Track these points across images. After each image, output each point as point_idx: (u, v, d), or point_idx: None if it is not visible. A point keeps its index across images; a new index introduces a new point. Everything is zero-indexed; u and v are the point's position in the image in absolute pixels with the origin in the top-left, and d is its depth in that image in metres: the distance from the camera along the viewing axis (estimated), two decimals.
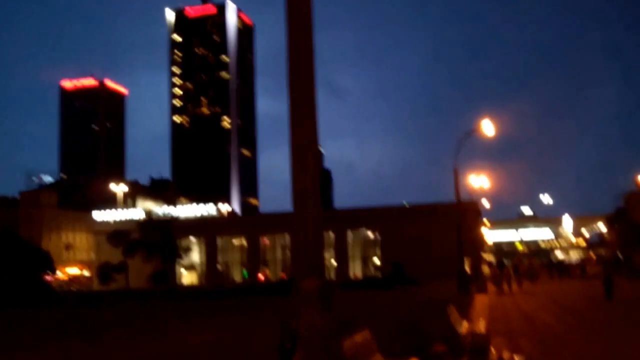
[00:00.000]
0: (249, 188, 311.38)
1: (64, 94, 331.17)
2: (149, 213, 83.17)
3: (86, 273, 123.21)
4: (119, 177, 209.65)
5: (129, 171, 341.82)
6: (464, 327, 15.51)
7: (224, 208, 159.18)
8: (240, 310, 33.10)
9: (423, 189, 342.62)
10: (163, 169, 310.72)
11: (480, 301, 36.19)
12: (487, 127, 43.30)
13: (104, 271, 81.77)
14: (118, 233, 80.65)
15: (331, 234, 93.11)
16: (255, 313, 30.01)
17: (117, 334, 22.70)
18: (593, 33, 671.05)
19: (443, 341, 12.07)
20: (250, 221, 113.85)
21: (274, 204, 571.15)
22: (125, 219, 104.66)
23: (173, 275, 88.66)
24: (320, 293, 6.64)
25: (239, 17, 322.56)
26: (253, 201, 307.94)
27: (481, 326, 16.09)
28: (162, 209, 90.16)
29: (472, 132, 44.90)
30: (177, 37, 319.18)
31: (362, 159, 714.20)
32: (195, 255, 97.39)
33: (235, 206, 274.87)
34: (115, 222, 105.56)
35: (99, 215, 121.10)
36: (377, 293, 46.72)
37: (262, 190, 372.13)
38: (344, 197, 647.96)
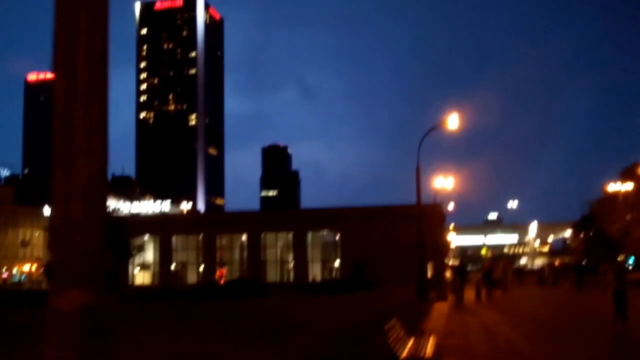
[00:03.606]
0: (215, 187, 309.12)
1: (29, 87, 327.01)
2: None
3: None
4: None
5: None
6: (407, 347, 12.92)
7: (185, 207, 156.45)
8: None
9: (393, 190, 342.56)
10: (129, 166, 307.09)
11: (438, 310, 33.40)
12: (452, 121, 41.01)
13: (50, 269, 78.37)
14: None
15: (290, 235, 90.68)
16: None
17: None
18: (567, 32, 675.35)
19: None
20: (207, 219, 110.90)
21: (240, 204, 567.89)
22: None
23: (125, 275, 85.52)
24: (85, 317, 3.63)
25: (207, 11, 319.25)
26: (219, 201, 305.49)
27: (429, 346, 13.52)
28: (114, 206, 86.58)
29: (436, 127, 42.75)
30: (143, 31, 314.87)
31: (332, 161, 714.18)
32: (150, 254, 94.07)
33: (201, 205, 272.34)
34: None
35: (49, 210, 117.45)
36: (329, 298, 44.06)
37: (228, 190, 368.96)
38: (312, 198, 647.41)
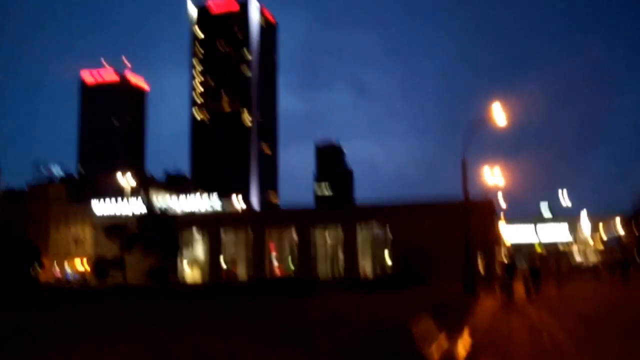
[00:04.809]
0: (269, 185, 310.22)
1: (85, 88, 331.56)
2: (149, 205, 79.82)
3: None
4: (137, 171, 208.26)
5: (149, 166, 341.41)
6: (439, 344, 12.21)
7: (237, 202, 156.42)
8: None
9: (446, 186, 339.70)
10: (183, 165, 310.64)
11: (485, 307, 32.45)
12: (499, 115, 40.17)
13: (99, 266, 79.00)
14: (115, 226, 77.56)
15: (339, 230, 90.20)
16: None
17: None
18: (611, 30, 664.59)
19: None
20: (258, 216, 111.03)
21: (295, 200, 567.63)
22: (130, 213, 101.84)
23: (174, 271, 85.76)
24: None
25: (262, 14, 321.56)
26: (273, 199, 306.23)
27: (462, 345, 12.77)
28: (163, 202, 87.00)
29: (482, 121, 41.93)
30: (199, 33, 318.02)
31: (385, 158, 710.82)
32: (199, 251, 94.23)
33: (255, 202, 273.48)
34: (117, 215, 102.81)
35: (99, 207, 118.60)
36: (376, 295, 43.58)
37: (282, 187, 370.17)
38: (366, 196, 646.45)
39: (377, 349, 13.19)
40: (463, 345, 12.65)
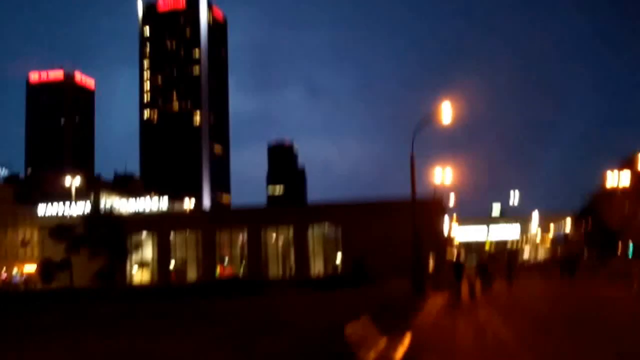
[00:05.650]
0: (222, 186, 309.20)
1: (31, 87, 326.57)
2: (96, 206, 78.66)
3: None
4: (86, 172, 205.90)
5: (100, 167, 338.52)
6: (376, 346, 11.77)
7: (188, 204, 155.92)
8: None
9: (399, 185, 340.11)
10: (133, 166, 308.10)
11: (432, 306, 32.35)
12: (446, 113, 40.14)
13: (45, 269, 77.66)
14: (61, 228, 76.23)
15: (291, 230, 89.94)
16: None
17: None
18: (563, 22, 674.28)
19: None
20: (207, 216, 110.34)
21: (247, 201, 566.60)
22: (77, 214, 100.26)
23: (122, 273, 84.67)
24: None
25: (211, 11, 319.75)
26: (225, 198, 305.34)
27: (401, 347, 12.36)
28: (109, 203, 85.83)
29: (430, 118, 41.87)
30: (147, 31, 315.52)
31: (338, 158, 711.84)
32: (148, 252, 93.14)
33: (207, 203, 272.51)
34: (64, 217, 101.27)
35: (45, 209, 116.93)
36: (324, 294, 43.30)
37: (235, 189, 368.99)
38: (319, 195, 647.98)
39: (311, 352, 12.86)
40: (403, 347, 12.28)
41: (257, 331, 18.21)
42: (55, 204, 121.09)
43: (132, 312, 33.40)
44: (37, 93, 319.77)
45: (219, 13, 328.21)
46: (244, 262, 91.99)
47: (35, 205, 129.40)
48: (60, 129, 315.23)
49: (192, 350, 15.26)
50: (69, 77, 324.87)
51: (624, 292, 34.23)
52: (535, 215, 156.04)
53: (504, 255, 66.39)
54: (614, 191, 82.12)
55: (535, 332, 19.31)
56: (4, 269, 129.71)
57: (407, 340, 13.43)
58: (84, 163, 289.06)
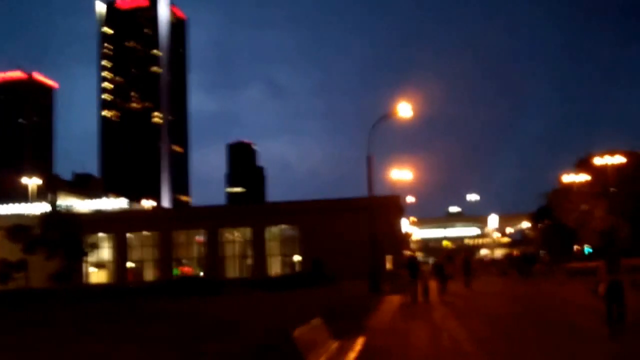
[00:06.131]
0: (181, 185, 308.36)
1: None
2: (53, 205, 77.69)
3: None
4: (45, 172, 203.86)
5: (60, 167, 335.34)
6: (327, 352, 11.73)
7: (147, 204, 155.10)
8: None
9: (359, 185, 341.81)
10: (92, 164, 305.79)
11: (389, 306, 32.28)
12: (403, 111, 40.35)
13: (2, 269, 76.51)
14: (18, 227, 75.16)
15: (248, 230, 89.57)
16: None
17: None
18: (520, 24, 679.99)
19: None
20: (164, 215, 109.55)
21: (207, 201, 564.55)
22: (33, 214, 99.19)
23: (79, 273, 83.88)
24: None
25: (171, 10, 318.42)
26: (184, 198, 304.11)
27: (354, 351, 12.30)
28: (67, 203, 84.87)
29: (388, 116, 42.06)
30: (107, 30, 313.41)
31: (298, 157, 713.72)
32: (105, 252, 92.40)
33: (166, 203, 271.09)
34: (21, 216, 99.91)
35: (2, 209, 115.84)
36: (281, 294, 43.17)
37: (193, 188, 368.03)
38: (279, 195, 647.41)
39: (258, 356, 12.85)
40: (354, 353, 12.20)
41: (205, 333, 18.12)
42: (12, 204, 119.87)
43: (84, 313, 33.07)
44: None
45: (179, 11, 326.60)
46: (201, 262, 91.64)
47: None
48: (19, 128, 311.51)
49: (135, 353, 15.16)
50: (30, 77, 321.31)
51: (582, 292, 34.35)
52: (493, 217, 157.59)
53: (461, 254, 66.47)
54: (570, 189, 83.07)
55: (493, 335, 19.10)
56: None
57: (359, 344, 13.33)
58: (43, 162, 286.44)
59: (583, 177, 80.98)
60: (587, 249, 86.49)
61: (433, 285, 37.84)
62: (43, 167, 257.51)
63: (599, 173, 78.17)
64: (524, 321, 22.69)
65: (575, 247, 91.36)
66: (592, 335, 17.67)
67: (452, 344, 17.02)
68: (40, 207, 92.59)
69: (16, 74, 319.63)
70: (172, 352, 15.02)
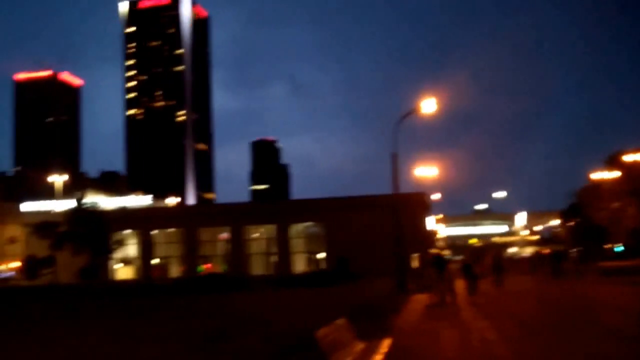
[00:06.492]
0: (205, 182, 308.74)
1: (17, 86, 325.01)
2: (79, 203, 78.10)
3: None
4: (72, 170, 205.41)
5: (87, 165, 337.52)
6: (353, 353, 11.32)
7: (172, 202, 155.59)
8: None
9: (384, 182, 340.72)
10: (118, 162, 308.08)
11: (415, 305, 31.68)
12: (427, 105, 39.80)
13: (29, 266, 77.22)
14: (45, 224, 75.77)
15: (273, 227, 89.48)
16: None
17: None
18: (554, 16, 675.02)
19: None
20: (189, 213, 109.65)
21: (231, 199, 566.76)
22: (61, 211, 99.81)
23: (105, 269, 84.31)
24: None
25: (193, 9, 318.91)
26: (209, 195, 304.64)
27: (379, 353, 11.89)
28: (92, 200, 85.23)
29: (411, 112, 41.46)
30: (130, 29, 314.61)
31: (322, 154, 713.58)
32: (132, 249, 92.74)
33: (191, 201, 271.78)
34: (48, 213, 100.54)
35: (30, 206, 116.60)
36: (305, 292, 42.69)
37: (218, 185, 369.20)
38: (302, 192, 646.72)
39: (281, 357, 12.54)
40: (380, 355, 11.77)
41: (227, 331, 17.82)
42: (40, 201, 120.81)
43: (109, 308, 32.95)
44: (24, 91, 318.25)
45: (201, 9, 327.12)
46: (226, 259, 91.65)
47: (21, 202, 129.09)
48: (46, 126, 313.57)
49: (159, 351, 14.89)
50: (55, 76, 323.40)
51: (617, 292, 33.48)
52: (522, 215, 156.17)
53: (490, 252, 65.19)
54: (600, 187, 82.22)
55: (526, 336, 18.35)
56: None
57: (385, 346, 12.91)
58: (70, 160, 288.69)
59: (613, 175, 79.96)
60: (618, 248, 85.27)
61: (460, 284, 36.98)
62: (70, 165, 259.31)
63: (629, 170, 77.18)
64: (557, 322, 21.94)
65: (606, 245, 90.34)
66: (629, 337, 17.16)
67: (483, 346, 16.49)
68: (67, 205, 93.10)
69: (43, 73, 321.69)
70: (193, 351, 14.72)
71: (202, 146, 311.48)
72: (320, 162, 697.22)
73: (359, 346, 12.23)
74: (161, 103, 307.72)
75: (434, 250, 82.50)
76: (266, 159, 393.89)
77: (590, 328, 19.78)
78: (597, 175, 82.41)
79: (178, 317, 25.56)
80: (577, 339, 17.24)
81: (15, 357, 15.65)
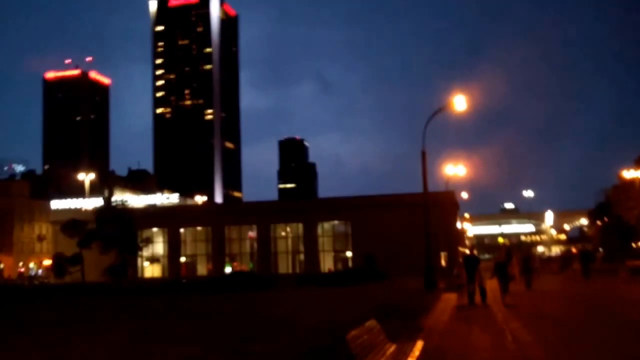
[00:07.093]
0: (233, 181, 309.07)
1: (47, 84, 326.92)
2: (107, 201, 78.27)
3: None
4: (100, 168, 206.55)
5: (115, 163, 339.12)
6: (385, 355, 10.96)
7: (199, 200, 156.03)
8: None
9: (411, 181, 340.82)
10: (147, 160, 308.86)
11: (445, 304, 31.17)
12: (458, 103, 39.34)
13: (58, 264, 77.31)
14: (73, 223, 75.83)
15: (300, 226, 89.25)
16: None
17: None
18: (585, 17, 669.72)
19: None
20: (216, 211, 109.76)
21: (258, 197, 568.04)
22: (89, 209, 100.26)
23: (133, 268, 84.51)
24: None
25: (222, 7, 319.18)
26: (236, 194, 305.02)
27: (412, 356, 11.50)
28: (120, 198, 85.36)
29: (441, 109, 40.97)
30: (159, 28, 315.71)
31: (350, 153, 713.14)
32: (159, 247, 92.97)
33: (219, 199, 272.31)
34: (76, 211, 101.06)
35: (59, 204, 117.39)
36: (333, 291, 42.31)
37: (245, 183, 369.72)
38: (330, 191, 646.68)
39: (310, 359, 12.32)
40: (413, 358, 11.38)
41: (255, 331, 17.59)
42: (69, 199, 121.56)
43: (136, 308, 32.80)
44: (53, 89, 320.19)
45: (230, 9, 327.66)
46: (253, 257, 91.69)
47: (50, 200, 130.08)
48: (76, 125, 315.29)
49: (185, 351, 14.70)
50: (85, 75, 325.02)
51: None
52: (550, 214, 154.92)
53: (519, 252, 64.08)
54: (631, 186, 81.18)
55: (562, 338, 17.80)
56: (21, 263, 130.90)
57: (418, 348, 12.50)
58: (99, 158, 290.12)
59: None
60: None
61: (491, 284, 36.14)
62: (99, 163, 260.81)
63: None
64: (593, 323, 21.45)
65: (634, 244, 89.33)
66: None
67: (518, 348, 16.06)
68: (96, 203, 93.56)
69: (72, 72, 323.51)
70: (218, 353, 14.50)
71: (230, 145, 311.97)
72: (349, 161, 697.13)
73: (390, 348, 11.81)
74: (189, 102, 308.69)
75: (464, 250, 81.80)
76: (294, 157, 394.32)
77: (627, 328, 19.32)
78: (628, 174, 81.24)
79: (206, 317, 25.37)
80: (614, 340, 16.80)
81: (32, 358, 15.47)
